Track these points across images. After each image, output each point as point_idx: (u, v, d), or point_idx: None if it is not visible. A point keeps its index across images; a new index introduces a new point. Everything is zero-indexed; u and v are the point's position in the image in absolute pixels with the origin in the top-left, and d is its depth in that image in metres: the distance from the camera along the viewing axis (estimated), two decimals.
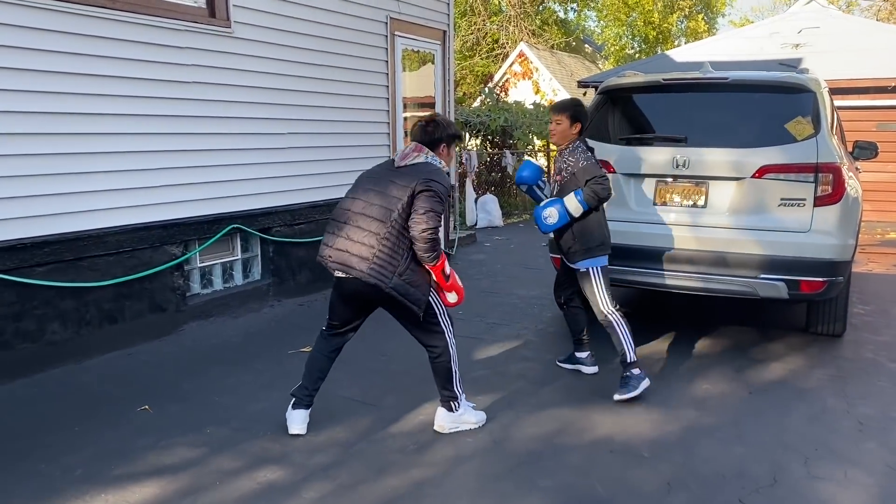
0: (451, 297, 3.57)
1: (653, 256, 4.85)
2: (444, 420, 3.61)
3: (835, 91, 5.60)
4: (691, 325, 5.59)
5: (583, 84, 14.08)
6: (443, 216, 3.41)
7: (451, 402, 3.61)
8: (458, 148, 11.60)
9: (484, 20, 25.44)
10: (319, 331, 3.69)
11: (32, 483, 3.12)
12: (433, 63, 8.57)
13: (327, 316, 3.64)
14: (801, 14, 14.35)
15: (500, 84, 22.65)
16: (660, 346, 5.09)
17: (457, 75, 20.23)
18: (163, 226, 5.17)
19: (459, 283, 3.59)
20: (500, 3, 26.28)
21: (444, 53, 8.67)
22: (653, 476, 3.22)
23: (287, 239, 6.29)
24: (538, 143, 14.22)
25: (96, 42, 4.66)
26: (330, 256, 3.38)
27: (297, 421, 3.58)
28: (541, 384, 4.35)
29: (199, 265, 5.71)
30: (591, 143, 4.43)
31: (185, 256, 5.40)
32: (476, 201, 11.60)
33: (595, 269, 4.19)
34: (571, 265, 4.30)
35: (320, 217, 6.49)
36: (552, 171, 4.49)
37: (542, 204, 4.23)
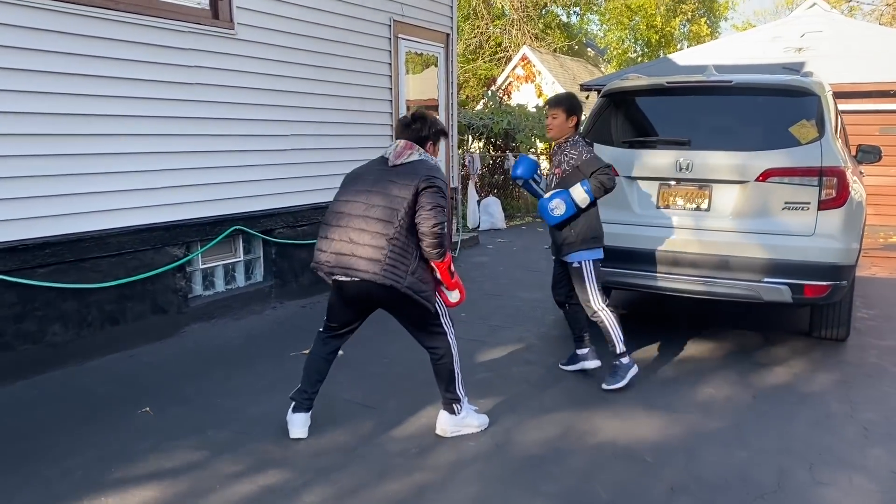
0: (453, 297, 3.55)
1: (656, 260, 4.84)
2: (446, 424, 3.59)
3: (838, 95, 5.58)
4: (694, 329, 5.57)
5: (585, 87, 14.10)
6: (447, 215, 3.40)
7: (454, 405, 3.59)
8: (461, 151, 11.59)
9: (487, 23, 25.45)
10: (316, 333, 3.67)
11: (32, 485, 3.10)
12: (436, 66, 8.57)
13: (325, 318, 3.62)
14: (803, 18, 14.35)
15: (503, 87, 22.66)
16: (663, 349, 5.07)
17: (460, 78, 20.21)
18: (165, 227, 5.16)
19: (461, 282, 3.59)
20: (503, 6, 26.29)
21: (448, 56, 8.67)
22: (656, 481, 3.20)
23: (289, 241, 6.28)
24: (541, 145, 14.21)
25: (98, 43, 4.65)
26: (328, 262, 3.33)
27: (298, 424, 3.56)
28: (543, 387, 4.33)
29: (201, 267, 5.70)
30: (594, 145, 4.43)
31: (187, 258, 5.39)
32: (479, 203, 11.59)
33: (588, 263, 4.26)
34: (564, 259, 4.35)
35: (323, 219, 6.47)
36: (550, 165, 4.51)
37: (548, 196, 4.23)
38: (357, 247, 3.26)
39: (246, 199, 5.85)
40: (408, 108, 7.88)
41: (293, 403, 3.60)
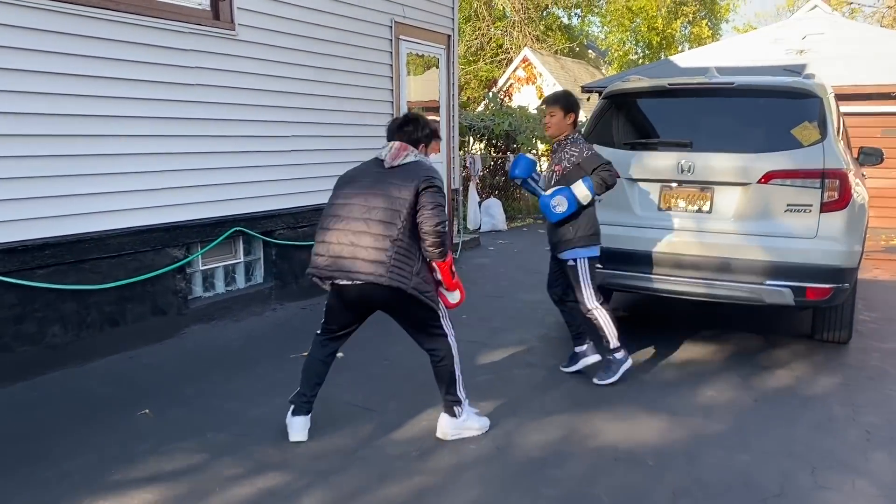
0: (453, 298, 3.55)
1: (657, 262, 4.82)
2: (446, 427, 3.57)
3: (839, 97, 5.56)
4: (695, 332, 5.55)
5: (586, 89, 14.06)
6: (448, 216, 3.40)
7: (455, 407, 3.57)
8: (462, 152, 11.58)
9: (488, 25, 25.46)
10: (314, 336, 3.65)
11: (31, 488, 3.09)
12: (437, 67, 8.56)
13: (323, 321, 3.60)
14: (804, 20, 14.32)
15: (504, 89, 22.65)
16: (664, 351, 5.05)
17: (461, 80, 20.21)
18: (165, 228, 5.15)
19: (460, 283, 3.59)
20: (504, 8, 26.30)
21: (449, 58, 8.66)
22: (658, 485, 3.18)
23: (290, 242, 6.26)
24: (542, 147, 14.20)
25: (98, 44, 4.64)
26: (328, 266, 3.30)
27: (298, 428, 3.54)
28: (545, 390, 4.31)
29: (202, 268, 5.69)
30: (595, 147, 4.43)
31: (188, 259, 5.38)
32: (480, 205, 11.57)
33: (583, 261, 4.29)
34: (560, 257, 4.37)
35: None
36: (549, 163, 4.55)
37: (549, 193, 4.24)
38: (359, 249, 3.24)
39: (246, 201, 5.84)
40: (409, 110, 7.87)
41: (292, 407, 3.58)
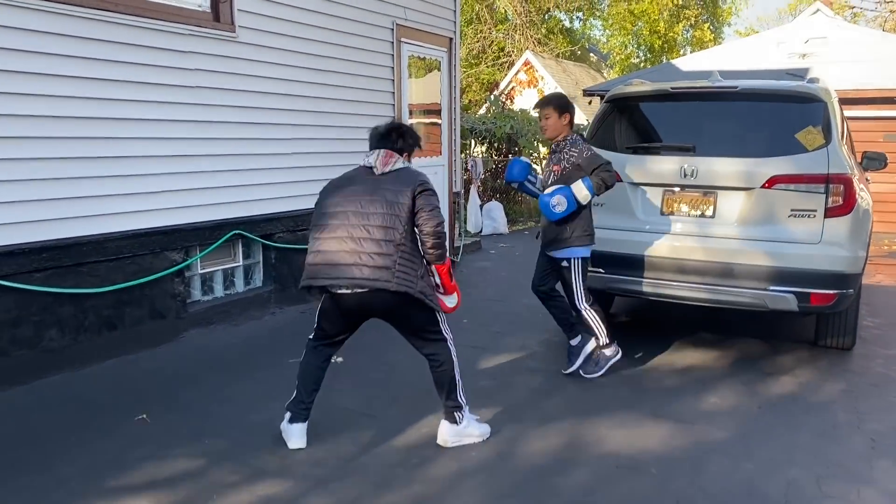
0: (451, 302, 3.55)
1: (660, 267, 4.79)
2: (447, 434, 3.53)
3: (842, 101, 5.53)
4: (698, 337, 5.51)
5: (588, 93, 14.04)
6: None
7: (455, 413, 3.53)
8: (463, 155, 11.55)
9: (490, 28, 25.45)
10: (307, 342, 3.60)
11: (26, 494, 3.05)
12: (439, 70, 8.53)
13: (316, 327, 3.55)
14: (807, 24, 14.30)
15: (506, 92, 22.57)
16: (667, 358, 5.01)
17: (462, 83, 20.17)
18: (163, 232, 5.11)
19: (457, 286, 3.61)
20: (506, 11, 26.29)
21: (451, 60, 8.63)
22: (661, 494, 3.14)
23: (289, 245, 6.22)
24: (543, 150, 14.17)
25: (99, 46, 4.61)
26: (329, 275, 3.25)
27: (296, 435, 3.49)
28: (546, 396, 4.27)
29: (200, 272, 5.65)
30: (597, 151, 4.42)
31: (186, 263, 5.34)
32: (481, 208, 11.54)
33: (577, 261, 4.36)
34: (554, 255, 4.43)
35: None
36: (547, 163, 4.59)
37: (549, 192, 4.26)
38: (363, 255, 3.20)
39: (246, 204, 5.80)
40: (410, 113, 7.85)
41: (289, 414, 3.52)
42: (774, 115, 4.82)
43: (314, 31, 6.34)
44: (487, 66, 25.05)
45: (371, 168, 3.40)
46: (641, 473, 3.32)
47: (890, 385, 4.54)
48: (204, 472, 3.27)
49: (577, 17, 29.27)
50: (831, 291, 4.45)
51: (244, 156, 5.74)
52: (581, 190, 4.19)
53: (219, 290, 5.85)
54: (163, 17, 4.98)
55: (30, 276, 4.32)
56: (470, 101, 23.22)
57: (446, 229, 3.40)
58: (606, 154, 4.74)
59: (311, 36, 6.31)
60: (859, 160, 5.94)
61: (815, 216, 4.49)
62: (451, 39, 8.57)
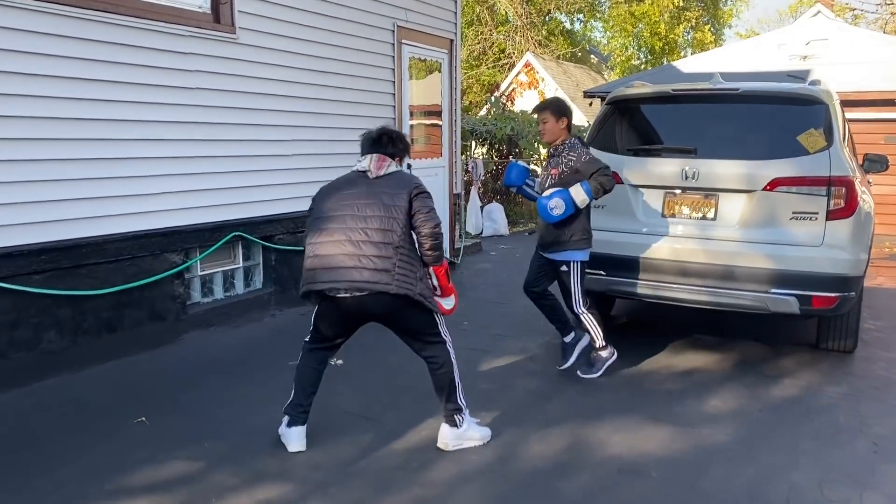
0: (448, 304, 3.54)
1: (661, 269, 4.77)
2: (447, 437, 3.52)
3: (843, 103, 5.51)
4: (699, 340, 5.50)
5: (589, 94, 14.03)
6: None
7: (455, 416, 3.51)
8: (464, 157, 11.55)
9: (490, 30, 25.45)
10: (302, 345, 3.58)
11: (24, 497, 3.03)
12: (440, 71, 8.52)
13: (312, 330, 3.53)
14: (808, 26, 14.29)
15: (507, 93, 22.60)
16: (667, 360, 4.99)
17: (463, 84, 20.18)
18: (163, 233, 5.10)
19: (454, 288, 3.61)
20: (506, 13, 26.30)
21: (451, 62, 8.62)
22: (662, 498, 3.12)
23: (290, 247, 6.21)
24: (544, 152, 14.17)
25: (98, 46, 4.60)
26: (328, 279, 3.23)
27: (296, 438, 3.48)
28: (547, 399, 4.25)
29: (200, 273, 5.64)
30: (598, 153, 4.42)
31: (186, 264, 5.33)
32: (482, 210, 11.53)
33: (576, 264, 4.39)
34: (553, 258, 4.46)
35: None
36: (545, 166, 4.60)
37: (547, 195, 4.27)
38: (361, 258, 3.20)
39: (246, 205, 5.79)
40: (411, 114, 7.84)
41: (287, 418, 3.50)
42: (776, 118, 4.81)
43: (315, 33, 6.33)
44: (488, 68, 25.05)
45: (365, 172, 3.40)
46: (642, 477, 3.30)
47: (892, 388, 4.52)
48: (203, 474, 3.26)
49: (578, 19, 29.28)
50: (833, 294, 4.44)
51: (244, 157, 5.72)
52: (579, 193, 4.21)
53: (219, 292, 5.83)
54: (163, 18, 4.97)
55: (29, 278, 4.30)
56: (471, 102, 23.22)
57: (446, 231, 3.40)
58: (607, 156, 4.74)
59: (312, 37, 6.30)
60: (861, 162, 5.92)
61: (816, 219, 4.47)
62: (451, 41, 8.56)
